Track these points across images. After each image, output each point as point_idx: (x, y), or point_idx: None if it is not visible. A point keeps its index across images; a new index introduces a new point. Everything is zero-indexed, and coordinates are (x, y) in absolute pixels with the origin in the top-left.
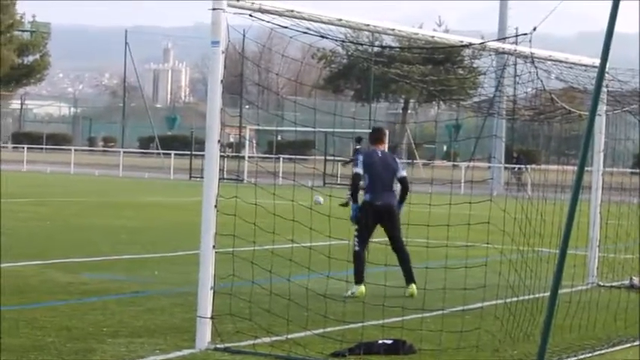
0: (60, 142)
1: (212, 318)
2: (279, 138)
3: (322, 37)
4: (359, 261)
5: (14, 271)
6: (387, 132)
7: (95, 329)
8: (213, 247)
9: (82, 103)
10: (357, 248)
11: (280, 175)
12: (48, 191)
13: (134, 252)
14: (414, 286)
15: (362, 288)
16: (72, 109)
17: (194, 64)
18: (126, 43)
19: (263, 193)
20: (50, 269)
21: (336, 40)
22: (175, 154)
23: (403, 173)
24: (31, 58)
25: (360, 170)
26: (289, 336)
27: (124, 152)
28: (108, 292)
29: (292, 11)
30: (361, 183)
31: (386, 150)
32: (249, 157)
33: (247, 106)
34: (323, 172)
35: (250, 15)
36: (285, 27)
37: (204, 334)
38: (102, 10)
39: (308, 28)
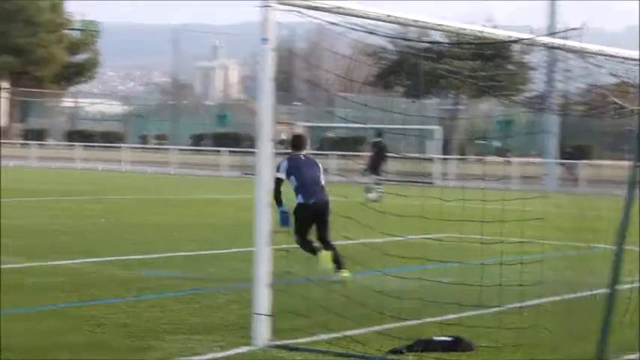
0: (112, 139)
1: (269, 315)
2: (330, 135)
3: (371, 33)
4: (308, 246)
5: (72, 269)
6: (306, 138)
7: (153, 326)
8: (268, 244)
9: (133, 101)
10: (298, 239)
11: (331, 172)
12: (102, 189)
13: (189, 249)
14: (345, 272)
15: (345, 273)
16: (123, 107)
17: (243, 61)
18: (175, 41)
19: None
20: (107, 266)
21: (386, 37)
22: (227, 151)
23: (322, 176)
24: (81, 57)
25: (281, 175)
26: (346, 333)
27: (176, 149)
28: (165, 289)
29: (341, 8)
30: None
31: (306, 154)
32: None
33: (298, 103)
34: (373, 169)
35: (299, 12)
36: (334, 23)
37: (262, 331)
38: (151, 9)
39: (357, 25)
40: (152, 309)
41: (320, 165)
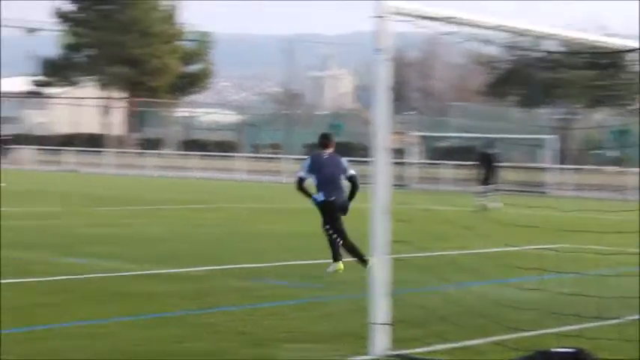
0: (226, 149)
1: (386, 324)
2: (442, 144)
3: (486, 42)
4: (334, 244)
5: (190, 277)
6: (333, 137)
7: (271, 334)
8: (385, 253)
9: (246, 111)
10: (340, 242)
11: (445, 181)
12: (217, 198)
13: (305, 258)
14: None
15: (340, 264)
16: (237, 117)
17: (355, 71)
18: (288, 51)
19: (430, 199)
20: (225, 275)
21: (500, 46)
22: None
23: (351, 172)
24: (195, 67)
25: (302, 174)
26: (463, 343)
27: (289, 159)
28: (282, 297)
29: (454, 18)
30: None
31: (332, 153)
32: (413, 162)
33: (410, 112)
34: (489, 178)
35: (413, 22)
36: (448, 33)
37: (380, 341)
38: (263, 19)
39: (470, 34)
40: (270, 317)
41: (344, 165)
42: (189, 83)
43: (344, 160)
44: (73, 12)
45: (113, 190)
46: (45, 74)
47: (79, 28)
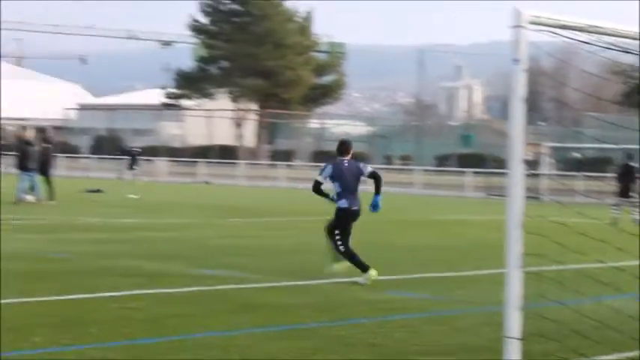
0: (358, 160)
1: (520, 338)
2: (576, 155)
3: (626, 52)
4: (352, 255)
5: (323, 288)
6: (351, 144)
7: (402, 347)
8: (519, 266)
9: (377, 122)
10: (342, 249)
11: (579, 193)
12: None
13: (437, 270)
14: (372, 271)
15: (372, 271)
16: (368, 128)
17: (487, 81)
18: (420, 61)
19: (564, 211)
20: (355, 286)
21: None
22: (471, 172)
23: (369, 169)
24: (328, 78)
25: (321, 179)
26: (599, 358)
27: (420, 170)
28: (412, 310)
29: (593, 26)
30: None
31: (350, 159)
32: (546, 174)
33: (543, 123)
34: (628, 191)
35: (552, 32)
36: (587, 42)
37: (513, 355)
38: (396, 29)
39: (609, 43)
40: (401, 330)
41: (362, 168)
42: (322, 95)
43: (361, 164)
44: (207, 24)
45: (245, 202)
46: (179, 87)
47: (214, 41)
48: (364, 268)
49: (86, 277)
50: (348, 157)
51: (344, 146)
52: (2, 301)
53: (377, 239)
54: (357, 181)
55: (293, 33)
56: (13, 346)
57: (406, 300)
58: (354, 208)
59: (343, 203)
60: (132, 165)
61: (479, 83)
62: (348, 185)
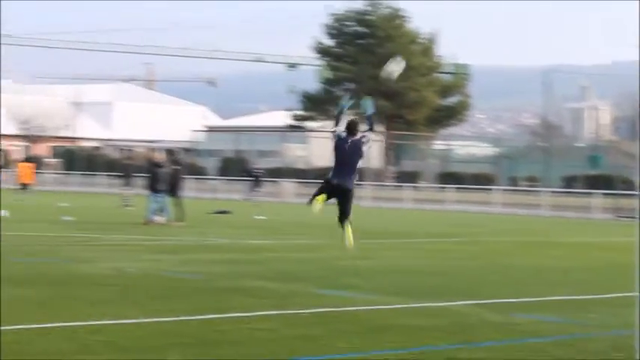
0: (483, 181)
1: None
2: None
3: None
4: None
5: (451, 311)
6: (358, 124)
7: None
8: None
9: (502, 143)
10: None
11: None
12: (474, 231)
13: (565, 293)
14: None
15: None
16: (493, 149)
17: (615, 102)
18: (545, 82)
19: None
20: (482, 309)
21: None
22: (600, 193)
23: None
24: (452, 100)
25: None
26: None
27: (547, 191)
28: (542, 333)
29: None
30: None
31: (355, 139)
32: None
33: None
34: None
35: None
36: None
37: None
38: (520, 50)
39: None
40: (532, 353)
41: (363, 146)
42: (446, 116)
43: (364, 138)
44: (332, 47)
45: (372, 223)
46: (305, 108)
47: (339, 63)
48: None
49: (216, 297)
50: (354, 137)
51: (352, 125)
52: (138, 321)
53: (504, 260)
54: (355, 160)
55: (418, 54)
56: None
57: (535, 323)
58: (335, 181)
59: (330, 175)
60: (255, 186)
61: (605, 104)
62: (339, 161)
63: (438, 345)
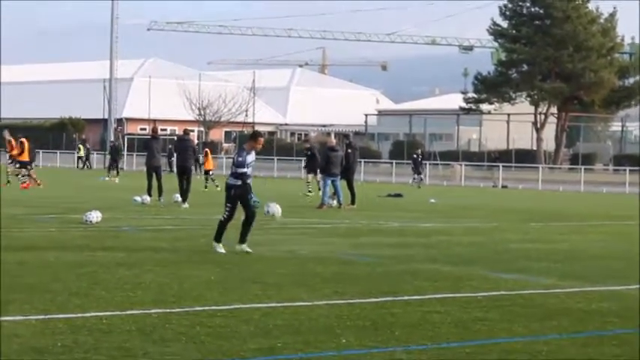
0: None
1: None
2: None
3: None
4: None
5: (629, 295)
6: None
7: None
8: None
9: None
10: None
11: None
12: None
13: None
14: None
15: None
16: None
17: None
18: None
19: None
20: None
21: None
22: None
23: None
24: (631, 80)
25: None
26: None
27: None
28: None
29: None
30: None
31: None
32: None
33: None
34: None
35: None
36: None
37: None
38: None
39: None
40: None
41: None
42: (625, 97)
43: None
44: (507, 28)
45: (545, 205)
46: (478, 91)
47: (514, 44)
48: None
49: (389, 281)
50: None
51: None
52: (314, 303)
53: None
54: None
55: (596, 35)
56: (321, 347)
57: None
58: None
59: None
60: (417, 169)
61: None
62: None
63: (615, 329)
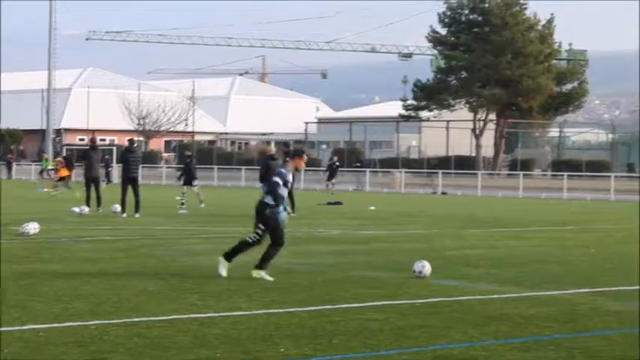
0: (598, 168)
1: None
2: None
3: None
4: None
5: (564, 299)
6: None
7: None
8: None
9: (618, 129)
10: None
11: None
12: (589, 218)
13: None
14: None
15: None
16: (609, 136)
17: None
18: None
19: None
20: (599, 297)
21: None
22: None
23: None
24: (568, 86)
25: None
26: None
27: None
28: None
29: None
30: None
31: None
32: None
33: None
34: None
35: None
36: None
37: None
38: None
39: None
40: None
41: None
42: (562, 103)
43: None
44: (446, 36)
45: (484, 212)
46: (418, 98)
47: (453, 52)
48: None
49: (329, 289)
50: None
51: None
52: (252, 312)
53: (621, 249)
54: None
55: (534, 41)
56: (260, 356)
57: None
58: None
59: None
60: (331, 176)
61: None
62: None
63: (552, 334)
